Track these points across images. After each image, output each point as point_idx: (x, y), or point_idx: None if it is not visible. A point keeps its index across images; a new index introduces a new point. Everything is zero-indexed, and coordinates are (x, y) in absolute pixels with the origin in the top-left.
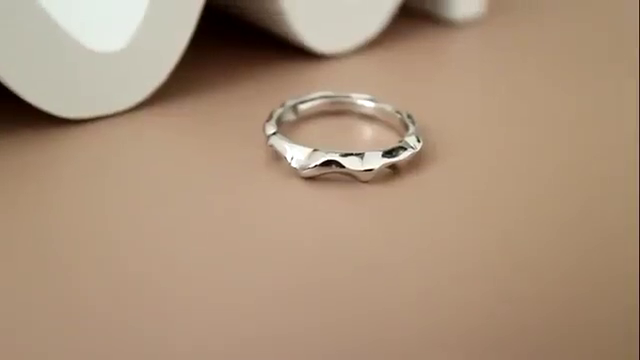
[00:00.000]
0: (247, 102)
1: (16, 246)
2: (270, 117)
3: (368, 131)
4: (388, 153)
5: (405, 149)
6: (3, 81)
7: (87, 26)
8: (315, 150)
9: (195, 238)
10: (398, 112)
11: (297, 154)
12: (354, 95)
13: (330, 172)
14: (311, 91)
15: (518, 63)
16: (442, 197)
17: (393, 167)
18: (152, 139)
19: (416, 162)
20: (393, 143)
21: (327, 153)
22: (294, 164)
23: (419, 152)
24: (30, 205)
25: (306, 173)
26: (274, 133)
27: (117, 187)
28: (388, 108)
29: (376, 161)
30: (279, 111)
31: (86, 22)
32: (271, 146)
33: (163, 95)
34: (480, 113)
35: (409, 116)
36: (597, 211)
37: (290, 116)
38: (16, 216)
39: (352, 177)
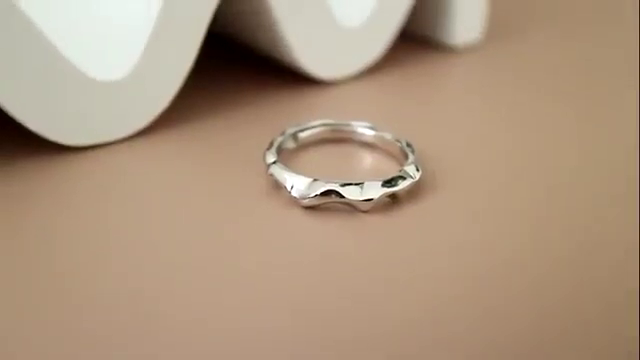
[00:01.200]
0: (247, 128)
1: (19, 271)
2: (270, 145)
3: (368, 159)
4: (387, 183)
5: (404, 178)
6: (5, 109)
7: (89, 55)
8: (315, 180)
9: (196, 266)
10: (398, 140)
11: (297, 184)
12: (354, 123)
13: (330, 202)
14: (311, 117)
15: (517, 89)
16: (441, 226)
17: (393, 196)
18: (153, 166)
19: (415, 191)
20: (393, 171)
21: (327, 183)
22: (294, 193)
23: (418, 181)
24: (32, 231)
25: (306, 203)
26: (274, 162)
27: (118, 214)
28: (388, 136)
29: (375, 191)
30: (279, 139)
31: (88, 51)
32: (271, 175)
33: (164, 122)
34: (479, 140)
35: (408, 144)
36: (598, 241)
37: (290, 144)
38: (18, 243)
39: (352, 207)
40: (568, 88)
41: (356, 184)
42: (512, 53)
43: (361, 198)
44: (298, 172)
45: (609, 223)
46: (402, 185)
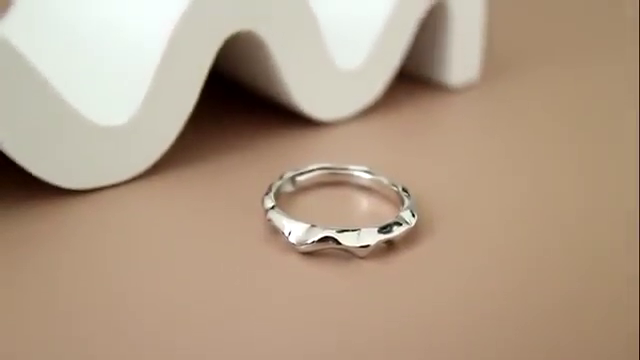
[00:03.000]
0: (246, 171)
1: (20, 314)
2: (269, 190)
3: (364, 203)
4: (383, 229)
5: (400, 224)
6: (9, 153)
7: (91, 100)
8: (312, 226)
9: (193, 309)
10: (394, 185)
11: (295, 230)
12: (351, 167)
13: (327, 248)
14: (309, 159)
15: (515, 128)
16: (437, 272)
17: (389, 242)
18: (152, 210)
19: (412, 236)
20: (389, 215)
21: (324, 229)
22: (292, 239)
23: (414, 226)
24: (34, 273)
25: (303, 249)
26: (272, 207)
27: (118, 256)
28: (384, 181)
29: (372, 237)
30: (278, 183)
31: (91, 97)
32: (269, 220)
33: (163, 165)
34: (477, 182)
35: (404, 189)
36: (598, 289)
37: (288, 187)
38: (20, 284)
39: (349, 252)
40: (566, 127)
41: (352, 230)
42: (509, 92)
43: (358, 245)
44: (296, 217)
45: (608, 268)
46: (398, 231)
